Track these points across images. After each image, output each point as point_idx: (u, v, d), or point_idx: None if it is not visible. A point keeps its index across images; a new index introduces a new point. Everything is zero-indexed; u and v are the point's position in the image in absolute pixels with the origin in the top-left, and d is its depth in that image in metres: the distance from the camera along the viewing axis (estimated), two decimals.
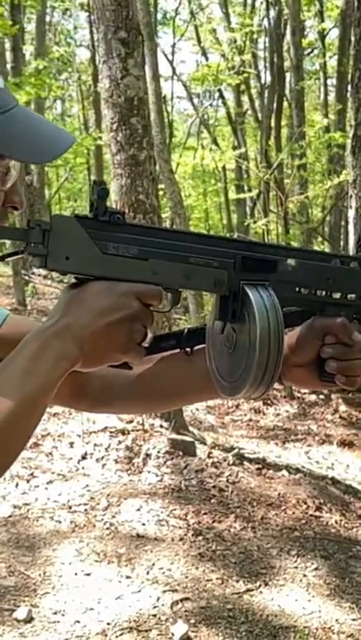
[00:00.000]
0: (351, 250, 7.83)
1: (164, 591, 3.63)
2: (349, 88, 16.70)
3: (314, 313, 1.18)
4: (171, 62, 18.67)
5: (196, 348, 1.23)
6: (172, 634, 3.25)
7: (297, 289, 1.15)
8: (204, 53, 21.39)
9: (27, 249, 1.01)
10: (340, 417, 7.25)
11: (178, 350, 1.25)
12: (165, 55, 18.12)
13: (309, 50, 20.91)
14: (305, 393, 7.81)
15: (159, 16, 19.03)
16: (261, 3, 20.99)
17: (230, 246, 1.11)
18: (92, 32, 15.68)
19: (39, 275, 13.09)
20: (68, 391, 1.24)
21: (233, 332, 1.10)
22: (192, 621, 3.37)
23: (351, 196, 7.83)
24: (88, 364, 1.04)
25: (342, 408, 7.45)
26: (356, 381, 1.17)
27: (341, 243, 16.88)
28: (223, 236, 1.15)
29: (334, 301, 1.17)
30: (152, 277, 1.06)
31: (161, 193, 8.56)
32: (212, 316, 1.17)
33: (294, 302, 1.16)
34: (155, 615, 3.41)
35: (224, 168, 19.49)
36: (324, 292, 1.16)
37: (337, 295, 1.17)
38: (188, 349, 1.24)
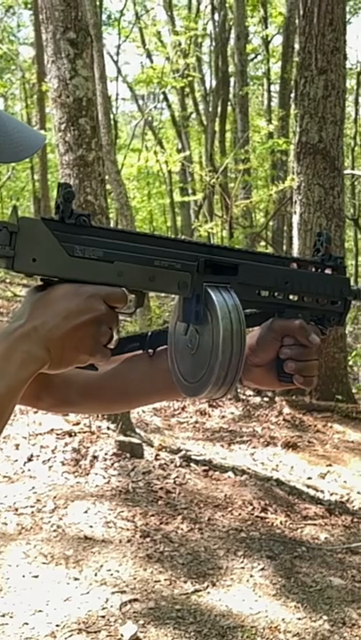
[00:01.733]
0: (295, 254, 7.94)
1: (113, 592, 3.63)
2: (293, 95, 16.95)
3: (272, 315, 1.21)
4: (116, 63, 18.67)
5: (159, 349, 1.25)
6: (122, 635, 3.25)
7: (257, 291, 1.18)
8: (149, 55, 21.41)
9: None
10: (284, 419, 7.33)
11: (141, 352, 1.27)
12: (111, 56, 18.09)
13: (253, 55, 21.11)
14: (250, 395, 7.89)
15: (104, 17, 18.98)
16: (206, 7, 21.13)
17: (193, 249, 1.13)
18: (36, 30, 15.56)
19: None
20: (30, 391, 1.25)
21: (196, 334, 1.13)
22: (141, 622, 3.38)
23: (295, 202, 7.96)
24: (55, 366, 1.05)
25: (286, 410, 7.54)
26: (312, 381, 1.20)
27: (284, 247, 17.06)
28: (186, 240, 1.17)
29: (292, 304, 1.20)
30: (117, 279, 1.07)
31: None
32: (174, 318, 1.19)
33: (254, 304, 1.19)
34: (103, 616, 3.40)
35: (169, 170, 19.53)
36: (282, 295, 1.20)
37: (294, 297, 1.21)
38: (150, 351, 1.26)
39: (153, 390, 1.29)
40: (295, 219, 7.99)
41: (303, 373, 1.18)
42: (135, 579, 3.80)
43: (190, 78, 18.45)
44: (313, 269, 1.23)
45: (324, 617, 3.63)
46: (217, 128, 18.42)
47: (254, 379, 1.23)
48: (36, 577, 3.74)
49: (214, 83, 18.99)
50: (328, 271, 1.24)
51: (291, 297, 1.20)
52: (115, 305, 1.06)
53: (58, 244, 1.04)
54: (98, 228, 1.08)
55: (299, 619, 3.61)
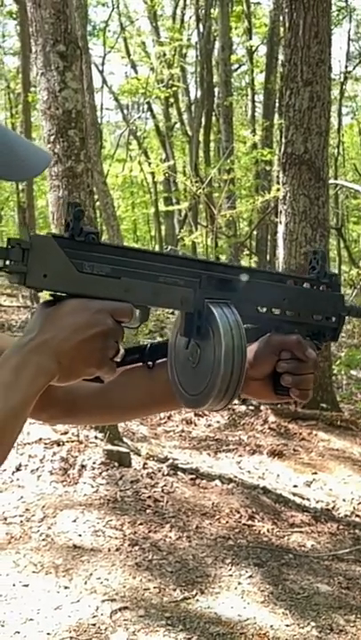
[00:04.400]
0: (280, 264, 8.01)
1: (103, 601, 3.66)
2: (277, 105, 17.06)
3: (269, 330, 1.26)
4: (101, 73, 18.72)
5: (158, 361, 1.29)
6: None
7: (256, 307, 1.23)
8: (134, 66, 21.50)
9: (6, 267, 1.06)
10: (270, 427, 7.38)
11: (140, 364, 1.31)
12: (96, 66, 18.15)
13: (238, 66, 21.23)
14: (235, 404, 7.93)
15: (89, 28, 19.05)
16: (190, 17, 21.25)
17: (196, 266, 1.17)
18: (22, 41, 15.59)
19: None
20: (35, 403, 1.28)
21: (197, 348, 1.17)
22: (131, 630, 3.41)
23: (281, 212, 8.03)
24: (64, 378, 1.09)
25: (271, 419, 7.58)
26: (308, 394, 1.25)
27: (268, 256, 17.16)
28: (189, 257, 1.22)
29: (289, 319, 1.25)
30: (124, 295, 1.12)
31: None
32: (175, 332, 1.24)
33: (253, 320, 1.24)
34: (94, 624, 3.43)
35: (155, 180, 19.59)
36: (279, 311, 1.25)
37: (291, 313, 1.26)
38: (150, 363, 1.30)
39: (152, 401, 1.33)
40: (281, 228, 8.06)
41: (300, 387, 1.22)
42: (125, 587, 3.83)
43: (175, 88, 18.55)
44: (309, 286, 1.28)
45: (312, 623, 3.67)
46: (201, 138, 18.51)
47: (252, 392, 1.27)
48: (27, 586, 3.76)
49: (199, 93, 19.09)
50: (323, 288, 1.29)
51: (288, 313, 1.25)
52: (121, 319, 1.10)
53: (68, 261, 1.08)
54: (106, 245, 1.13)
55: (287, 625, 3.65)
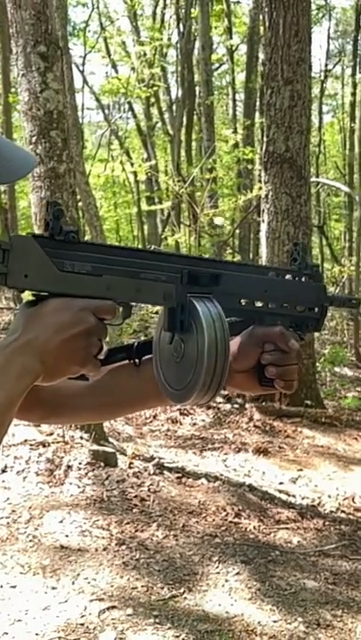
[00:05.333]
0: (263, 262, 8.03)
1: (91, 600, 3.66)
2: (258, 104, 17.09)
3: (253, 322, 1.27)
4: (82, 73, 18.68)
5: (144, 358, 1.30)
6: None
7: (238, 300, 1.24)
8: (114, 66, 21.46)
9: None
10: (255, 425, 7.40)
11: (127, 362, 1.32)
12: (77, 66, 18.10)
13: (218, 65, 21.26)
14: (220, 402, 7.95)
15: (69, 28, 19.00)
16: (171, 17, 21.26)
17: (177, 262, 1.18)
18: (1, 42, 15.51)
19: None
20: (22, 403, 1.29)
21: (181, 342, 1.17)
22: (120, 629, 3.42)
23: (263, 211, 8.06)
24: (49, 377, 1.10)
25: (256, 416, 7.60)
26: (293, 385, 1.26)
27: (251, 255, 17.20)
28: (171, 252, 1.22)
29: (271, 311, 1.26)
30: (106, 292, 1.12)
31: None
32: (158, 328, 1.24)
33: (236, 313, 1.24)
34: (82, 624, 3.44)
35: (137, 180, 19.58)
36: (262, 303, 1.26)
37: (273, 305, 1.27)
38: (136, 360, 1.31)
39: (139, 398, 1.34)
40: (263, 227, 8.09)
41: (284, 377, 1.23)
42: (112, 586, 3.84)
43: (155, 88, 18.54)
44: (291, 278, 1.29)
45: (299, 619, 3.69)
46: (183, 137, 18.52)
47: (237, 384, 1.28)
48: (14, 587, 3.76)
49: (180, 92, 19.09)
50: (305, 279, 1.30)
51: (270, 305, 1.26)
52: (104, 317, 1.11)
53: (48, 260, 1.08)
54: (86, 243, 1.13)
55: (274, 621, 3.67)
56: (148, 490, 5.14)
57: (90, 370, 1.12)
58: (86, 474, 5.15)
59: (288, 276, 1.29)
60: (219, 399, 7.96)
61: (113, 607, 3.62)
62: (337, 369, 10.43)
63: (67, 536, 4.36)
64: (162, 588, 3.88)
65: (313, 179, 12.57)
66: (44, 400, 1.33)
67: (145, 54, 17.37)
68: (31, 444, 5.47)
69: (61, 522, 4.51)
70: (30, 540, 4.29)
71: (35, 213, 5.27)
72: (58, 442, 5.50)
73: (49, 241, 1.09)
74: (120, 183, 20.49)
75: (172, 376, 1.20)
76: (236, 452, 6.55)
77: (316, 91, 19.53)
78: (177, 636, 3.42)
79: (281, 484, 5.86)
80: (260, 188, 8.31)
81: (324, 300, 1.31)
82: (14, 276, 1.06)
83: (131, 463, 5.54)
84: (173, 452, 6.33)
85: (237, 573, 4.15)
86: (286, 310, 1.27)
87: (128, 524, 4.58)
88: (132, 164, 16.78)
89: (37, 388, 1.16)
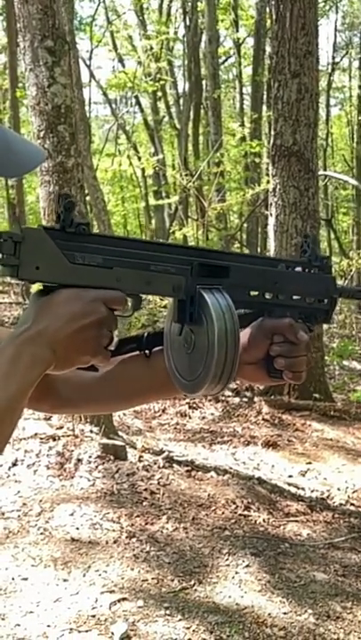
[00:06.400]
0: (271, 256, 8.02)
1: (102, 592, 3.69)
2: (265, 97, 17.06)
3: (262, 314, 1.27)
4: (89, 67, 18.68)
5: (155, 349, 1.31)
6: (112, 633, 3.31)
7: (248, 292, 1.25)
8: (121, 60, 21.45)
9: None
10: (264, 418, 7.41)
11: (138, 352, 1.32)
12: (84, 60, 18.10)
13: (225, 58, 21.21)
14: (229, 396, 7.96)
15: (75, 22, 18.99)
16: (177, 10, 21.22)
17: (187, 254, 1.19)
18: (9, 36, 15.52)
19: None
20: (33, 394, 1.30)
21: (191, 334, 1.18)
22: (131, 620, 3.44)
23: (271, 204, 8.05)
24: (60, 367, 1.11)
25: (265, 410, 7.61)
26: (301, 376, 1.27)
27: (258, 248, 17.18)
28: (180, 245, 1.23)
29: (281, 303, 1.27)
30: (116, 284, 1.13)
31: None
32: (169, 319, 1.25)
33: (245, 304, 1.25)
34: (94, 616, 3.46)
35: (144, 174, 19.58)
36: (271, 295, 1.26)
37: (283, 297, 1.27)
38: (147, 351, 1.32)
39: (150, 389, 1.35)
40: (271, 221, 8.08)
41: (293, 369, 1.24)
42: (123, 578, 3.86)
43: (162, 82, 18.52)
44: (300, 269, 1.30)
45: (309, 611, 3.71)
46: (190, 131, 18.50)
47: (246, 375, 1.29)
48: (26, 579, 3.78)
49: (187, 86, 19.07)
50: (315, 271, 1.30)
51: (280, 296, 1.27)
52: (114, 308, 1.12)
53: (59, 253, 1.09)
54: (97, 235, 1.14)
55: (285, 613, 3.68)
56: (158, 483, 5.15)
57: (100, 360, 1.13)
58: (96, 467, 5.17)
59: (298, 268, 1.29)
60: (227, 392, 7.97)
61: (124, 599, 3.64)
62: (346, 362, 10.43)
63: (77, 529, 4.38)
64: (172, 581, 3.90)
65: (321, 172, 12.55)
66: (55, 390, 1.35)
67: (151, 48, 17.34)
68: (41, 438, 5.50)
69: (72, 515, 4.53)
70: (41, 533, 4.31)
71: (43, 208, 5.29)
72: (68, 435, 5.52)
73: (60, 233, 1.10)
74: (127, 177, 20.49)
75: (183, 367, 1.21)
76: (246, 445, 6.56)
77: (323, 83, 19.48)
78: (187, 628, 3.43)
79: (290, 476, 5.87)
80: (268, 182, 8.30)
81: (334, 292, 1.31)
82: (26, 268, 1.07)
83: (140, 456, 5.56)
84: (183, 446, 6.35)
85: (247, 566, 4.17)
86: (296, 302, 1.28)
87: (138, 516, 4.60)
88: (139, 159, 16.75)
89: (48, 378, 1.17)
